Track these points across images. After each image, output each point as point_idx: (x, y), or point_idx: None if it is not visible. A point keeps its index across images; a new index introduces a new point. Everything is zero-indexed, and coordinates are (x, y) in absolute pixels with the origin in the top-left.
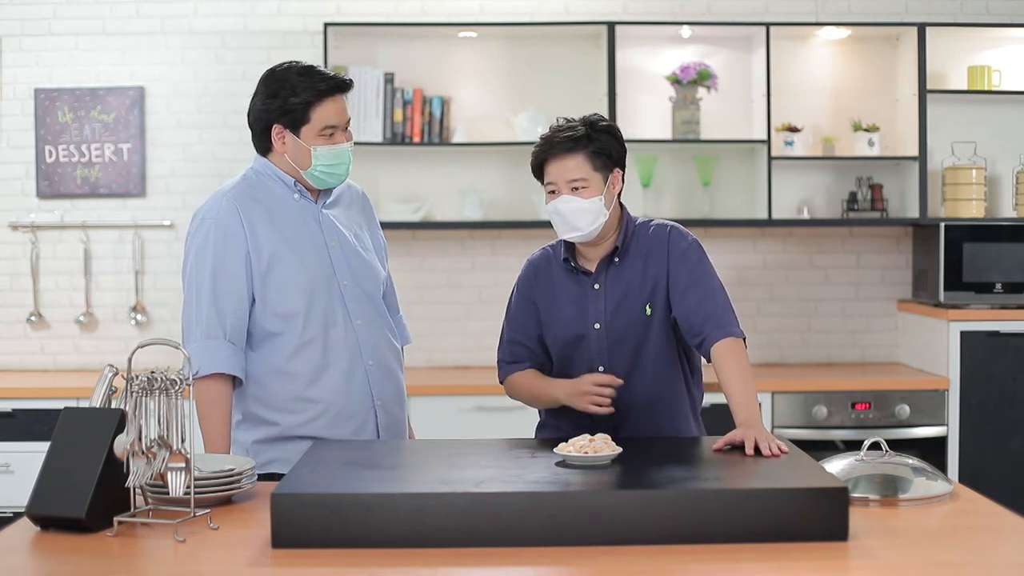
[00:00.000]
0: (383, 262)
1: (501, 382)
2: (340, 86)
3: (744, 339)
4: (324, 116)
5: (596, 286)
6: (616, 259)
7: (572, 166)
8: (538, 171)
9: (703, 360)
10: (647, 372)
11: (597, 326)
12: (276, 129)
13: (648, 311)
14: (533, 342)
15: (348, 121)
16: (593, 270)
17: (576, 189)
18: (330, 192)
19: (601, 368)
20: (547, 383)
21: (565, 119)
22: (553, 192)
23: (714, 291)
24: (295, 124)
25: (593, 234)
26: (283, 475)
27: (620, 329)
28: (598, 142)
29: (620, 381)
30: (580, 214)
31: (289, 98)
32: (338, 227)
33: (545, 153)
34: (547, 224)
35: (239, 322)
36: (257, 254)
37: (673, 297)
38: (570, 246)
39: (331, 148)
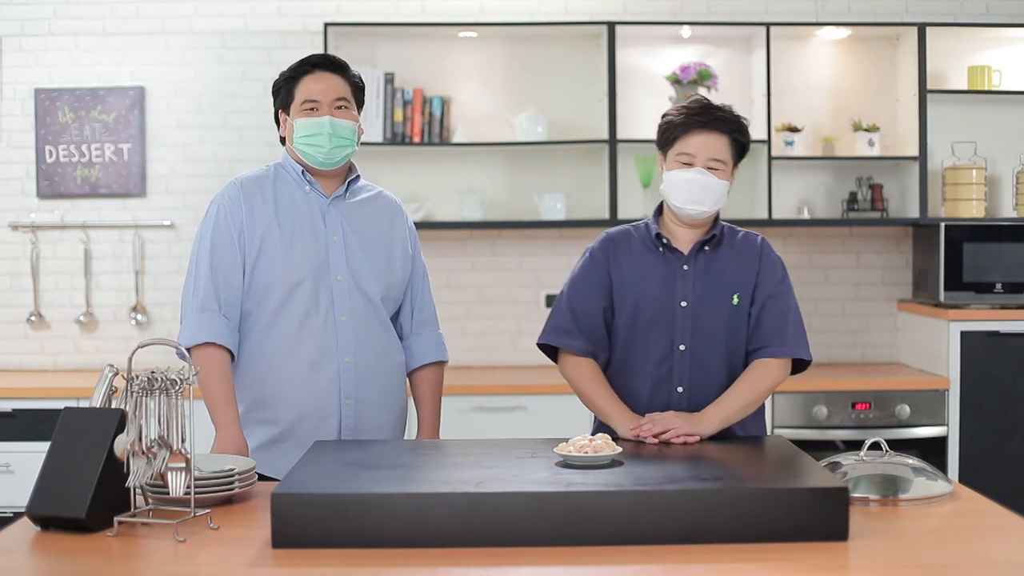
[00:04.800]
0: (419, 276)
1: (544, 345)
2: (320, 62)
3: (808, 362)
4: (304, 91)
5: (685, 267)
6: (707, 247)
7: (717, 145)
8: (673, 137)
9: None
10: (725, 359)
11: (684, 304)
12: (281, 116)
13: (735, 300)
14: (593, 313)
15: (339, 99)
16: (685, 252)
17: (712, 168)
18: (344, 188)
19: (682, 347)
20: (608, 403)
21: (704, 98)
22: (686, 163)
23: (792, 308)
24: (286, 104)
25: (709, 215)
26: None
27: (705, 311)
28: (741, 133)
29: (654, 441)
30: (709, 191)
31: (280, 81)
32: (345, 225)
33: (692, 124)
34: (547, 224)
35: (233, 298)
36: (251, 237)
37: (756, 298)
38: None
39: (308, 120)
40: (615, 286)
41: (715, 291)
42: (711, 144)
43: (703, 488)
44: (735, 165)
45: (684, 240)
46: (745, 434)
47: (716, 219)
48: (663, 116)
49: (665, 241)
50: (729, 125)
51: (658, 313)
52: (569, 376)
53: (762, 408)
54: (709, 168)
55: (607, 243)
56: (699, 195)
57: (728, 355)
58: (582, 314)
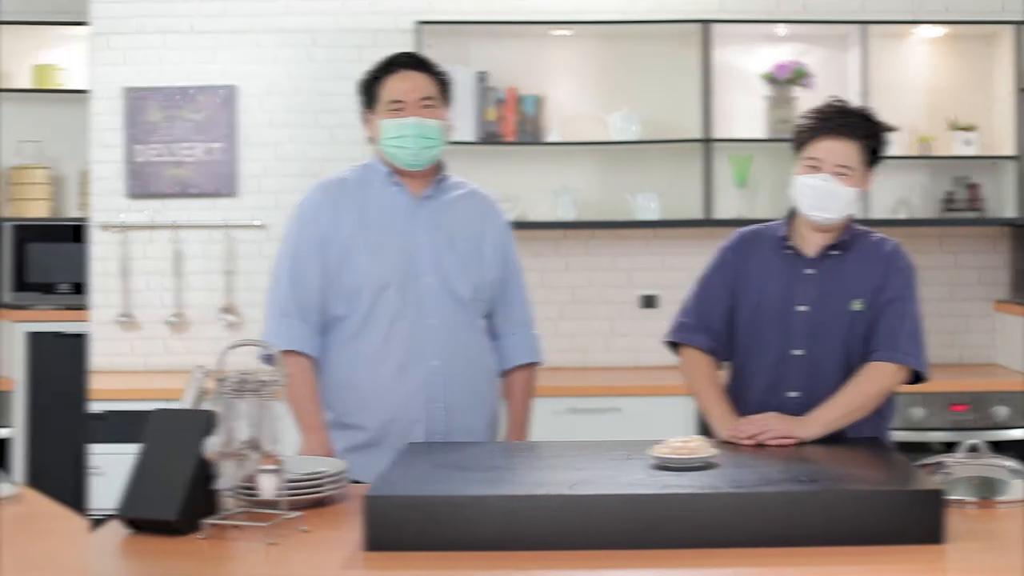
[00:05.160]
0: (512, 275)
1: (671, 342)
2: (404, 61)
3: (922, 374)
4: (389, 91)
5: (808, 271)
6: (835, 252)
7: (845, 151)
8: (803, 141)
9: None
10: (844, 365)
11: (801, 308)
12: (366, 115)
13: (856, 306)
14: (717, 312)
15: (425, 98)
16: (811, 255)
17: (839, 174)
18: (435, 188)
19: (797, 352)
20: (713, 403)
21: (840, 100)
22: (813, 168)
23: (911, 316)
24: (371, 104)
25: (836, 222)
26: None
27: (824, 316)
28: (875, 139)
29: (749, 443)
30: (834, 198)
31: (364, 81)
32: (433, 225)
33: (821, 129)
34: (641, 224)
35: (313, 304)
36: (336, 240)
37: (878, 303)
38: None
39: (394, 120)
40: (740, 287)
41: (836, 297)
42: (839, 150)
43: (798, 490)
44: (869, 170)
45: (812, 244)
46: (857, 437)
47: (849, 223)
48: (800, 117)
49: (791, 244)
50: (860, 131)
51: (775, 316)
52: (685, 372)
53: (882, 412)
54: (836, 174)
55: (738, 243)
56: (823, 201)
57: (847, 361)
58: (707, 312)
